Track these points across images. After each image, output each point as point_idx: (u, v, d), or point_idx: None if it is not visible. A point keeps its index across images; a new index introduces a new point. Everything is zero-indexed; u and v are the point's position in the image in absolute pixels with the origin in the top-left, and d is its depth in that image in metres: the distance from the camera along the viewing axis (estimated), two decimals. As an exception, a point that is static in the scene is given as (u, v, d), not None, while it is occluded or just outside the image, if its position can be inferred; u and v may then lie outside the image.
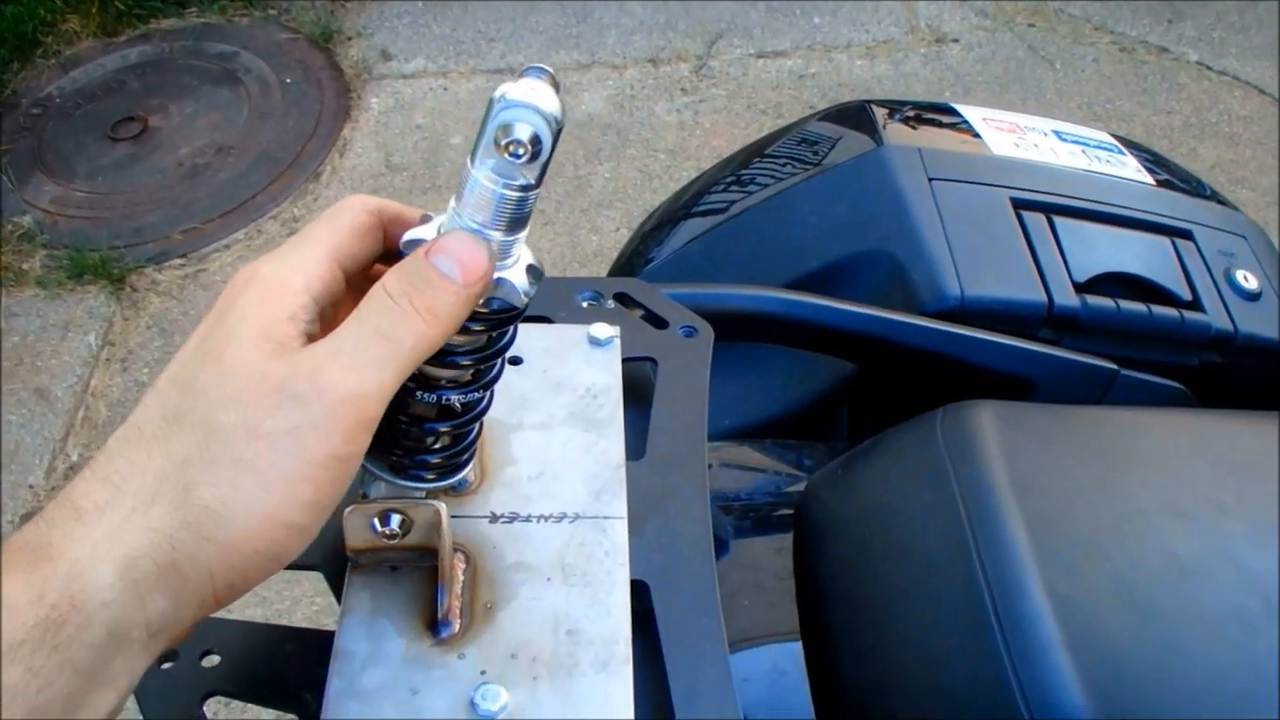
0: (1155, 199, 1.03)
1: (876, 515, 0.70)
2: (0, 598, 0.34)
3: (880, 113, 1.03)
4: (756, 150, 1.10)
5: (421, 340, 0.42)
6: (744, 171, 1.06)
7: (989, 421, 0.70)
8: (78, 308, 2.37)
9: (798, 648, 0.68)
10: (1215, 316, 0.95)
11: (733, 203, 1.01)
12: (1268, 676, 0.58)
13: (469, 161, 0.42)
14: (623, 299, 0.71)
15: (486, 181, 0.42)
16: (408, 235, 0.46)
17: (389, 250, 0.47)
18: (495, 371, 0.53)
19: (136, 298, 2.41)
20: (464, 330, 0.47)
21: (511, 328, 0.50)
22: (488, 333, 0.48)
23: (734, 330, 0.74)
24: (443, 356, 0.48)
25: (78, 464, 2.11)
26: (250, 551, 0.39)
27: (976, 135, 1.03)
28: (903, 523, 0.69)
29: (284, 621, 1.81)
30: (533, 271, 0.46)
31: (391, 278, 0.42)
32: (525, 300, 0.47)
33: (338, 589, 0.57)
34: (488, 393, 0.53)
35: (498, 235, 0.44)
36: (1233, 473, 0.71)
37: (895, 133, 0.99)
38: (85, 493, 0.38)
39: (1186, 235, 1.00)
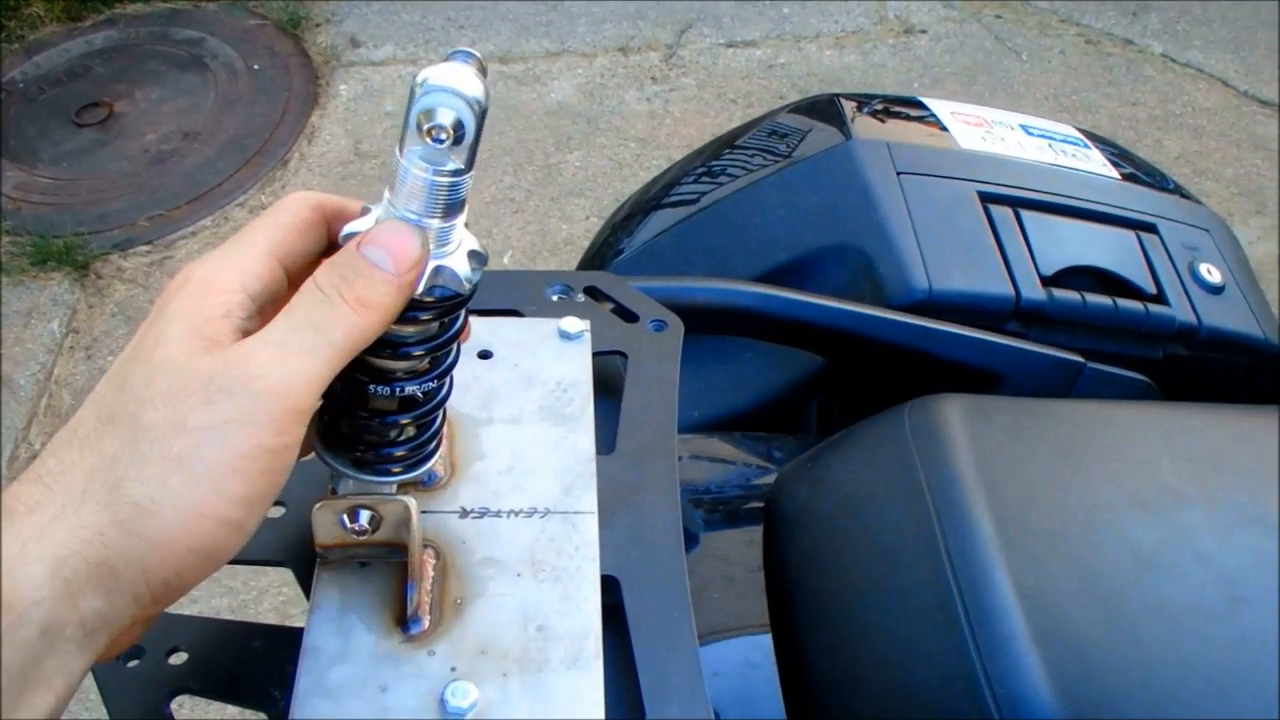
0: (1120, 193, 1.04)
1: (844, 508, 0.71)
2: None
3: (849, 106, 1.03)
4: (727, 142, 1.10)
5: (354, 330, 0.41)
6: (714, 163, 1.06)
7: (956, 415, 0.70)
8: (41, 295, 2.34)
9: (767, 641, 0.68)
10: (1179, 309, 0.96)
11: (703, 194, 1.01)
12: (1231, 668, 0.59)
13: (397, 150, 0.42)
14: (593, 292, 0.71)
15: (416, 170, 0.42)
16: (346, 228, 0.45)
17: (332, 245, 0.47)
18: (451, 359, 0.52)
19: (101, 285, 2.38)
20: (412, 320, 0.46)
21: (461, 314, 0.50)
22: (436, 320, 0.48)
23: (704, 323, 0.74)
24: (395, 348, 0.47)
25: (40, 453, 2.08)
26: (182, 549, 0.38)
27: (944, 129, 1.04)
28: (870, 516, 0.70)
29: (250, 612, 1.80)
30: (475, 257, 0.46)
31: (322, 271, 0.42)
32: (469, 286, 0.46)
33: (306, 585, 0.57)
34: (446, 380, 0.52)
35: (434, 223, 0.43)
36: (1196, 465, 0.72)
37: (864, 126, 0.99)
38: (18, 494, 0.38)
39: (1151, 229, 1.02)
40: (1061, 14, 3.04)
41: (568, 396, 0.66)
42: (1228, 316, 0.98)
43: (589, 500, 0.61)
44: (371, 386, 0.48)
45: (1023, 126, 1.08)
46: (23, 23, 2.94)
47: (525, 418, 0.64)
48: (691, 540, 0.73)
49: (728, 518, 0.78)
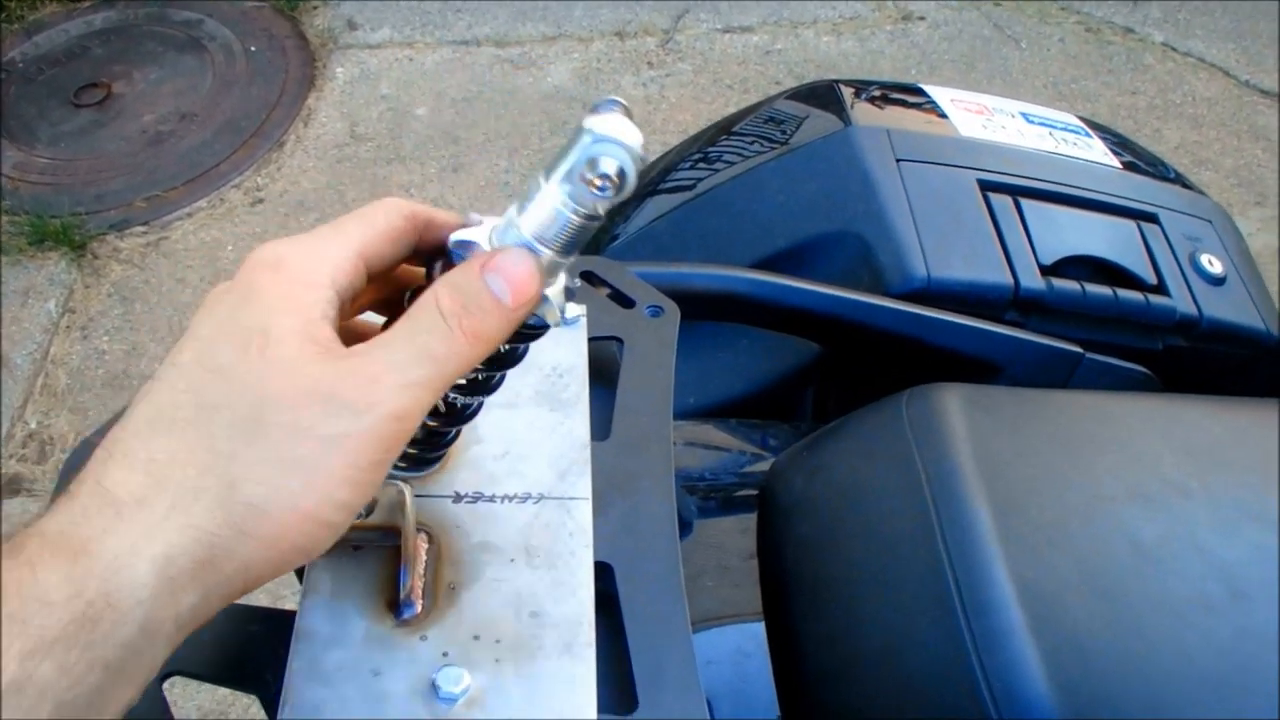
0: (1121, 182, 1.03)
1: (841, 497, 0.70)
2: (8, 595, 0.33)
3: (848, 92, 1.02)
4: (724, 128, 1.09)
5: (465, 363, 0.42)
6: (711, 149, 1.05)
7: (955, 404, 0.70)
8: (38, 274, 2.34)
9: (761, 630, 0.68)
10: (1180, 300, 0.96)
11: (700, 180, 1.01)
12: (1232, 662, 0.58)
13: (542, 178, 0.43)
14: (589, 278, 0.71)
15: (558, 203, 0.43)
16: (457, 235, 0.45)
17: (418, 252, 0.47)
18: (499, 380, 0.53)
19: (98, 265, 2.38)
20: None
21: (527, 345, 0.50)
22: (513, 344, 0.49)
23: (700, 310, 0.74)
24: None
25: (36, 432, 2.08)
26: (287, 547, 0.39)
27: (944, 116, 1.03)
28: (867, 505, 0.69)
29: (249, 597, 1.80)
30: (569, 293, 0.47)
31: (445, 294, 0.42)
32: (559, 321, 0.47)
33: (300, 570, 0.56)
34: (481, 400, 0.53)
35: (550, 254, 0.44)
36: (1196, 458, 0.72)
37: (863, 113, 0.99)
38: (122, 481, 0.37)
39: (1152, 219, 1.01)
40: (1061, 2, 3.03)
41: (563, 382, 0.66)
42: (1229, 308, 0.98)
43: (584, 486, 0.60)
44: None
45: (1023, 114, 1.08)
46: (23, 3, 2.94)
47: (521, 403, 0.64)
48: (686, 528, 0.73)
49: (723, 505, 0.77)
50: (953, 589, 0.61)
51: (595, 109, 0.42)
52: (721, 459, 0.84)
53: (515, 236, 0.45)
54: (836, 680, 0.64)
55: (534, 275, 0.43)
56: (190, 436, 0.38)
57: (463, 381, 0.51)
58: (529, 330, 0.48)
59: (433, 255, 0.48)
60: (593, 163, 0.41)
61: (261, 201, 2.51)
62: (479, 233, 0.46)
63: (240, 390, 0.39)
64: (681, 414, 0.88)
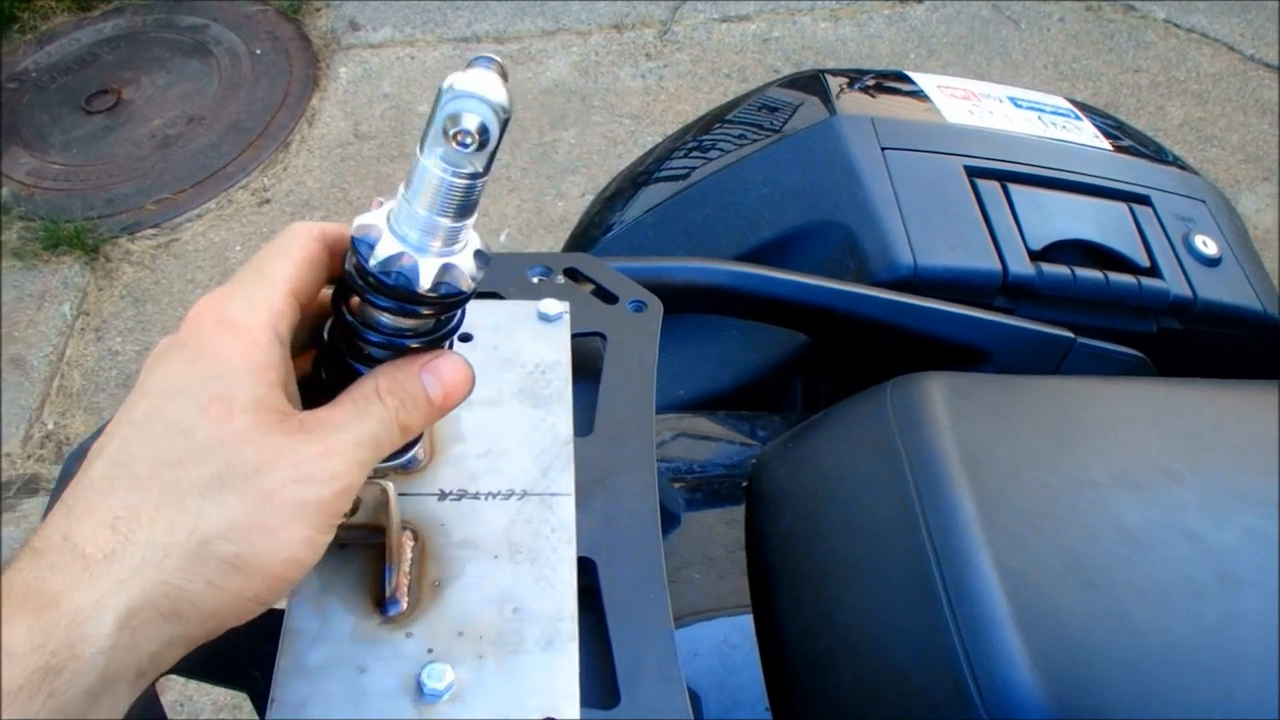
0: (1113, 164, 1.03)
1: (825, 488, 0.71)
2: (0, 645, 0.35)
3: (834, 82, 1.02)
4: (713, 119, 1.09)
5: (395, 447, 0.47)
6: (703, 137, 1.05)
7: (938, 393, 0.70)
8: (53, 278, 2.38)
9: (748, 620, 0.68)
10: (1173, 282, 0.96)
11: (691, 169, 1.01)
12: (1219, 648, 0.58)
13: (418, 149, 0.43)
14: (573, 274, 0.71)
15: (435, 169, 0.43)
16: (359, 222, 0.46)
17: (334, 276, 0.49)
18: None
19: (110, 268, 2.41)
20: (413, 314, 0.47)
21: (459, 311, 0.50)
22: (436, 316, 0.49)
23: (684, 303, 0.74)
24: (393, 339, 0.48)
25: (53, 432, 2.11)
26: (250, 597, 0.42)
27: (930, 103, 1.03)
28: (851, 495, 0.70)
29: None
30: (480, 257, 0.47)
31: (385, 386, 0.46)
32: (472, 285, 0.47)
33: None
34: None
35: (445, 222, 0.44)
36: (1187, 442, 0.71)
37: (848, 102, 0.99)
38: (90, 537, 0.38)
39: (1144, 201, 1.01)
40: (1062, -20, 3.00)
41: (546, 378, 0.66)
42: (1224, 289, 0.97)
43: (566, 482, 0.61)
44: (362, 370, 0.49)
45: (1011, 99, 1.07)
46: (35, 13, 2.98)
47: (504, 400, 0.65)
48: (672, 519, 0.73)
49: (710, 497, 0.78)
50: (936, 578, 0.61)
51: (467, 67, 0.42)
52: (710, 450, 0.84)
53: (406, 211, 0.44)
54: (821, 670, 0.65)
55: (464, 379, 0.48)
56: (154, 492, 0.40)
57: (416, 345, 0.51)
58: (446, 299, 0.47)
59: (340, 288, 0.49)
60: (454, 118, 0.41)
61: (268, 202, 2.53)
62: (377, 216, 0.46)
63: (203, 451, 0.41)
64: (671, 406, 0.89)
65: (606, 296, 0.71)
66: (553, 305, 0.69)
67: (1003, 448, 0.69)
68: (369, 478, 0.55)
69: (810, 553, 0.68)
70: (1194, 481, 0.67)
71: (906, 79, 1.08)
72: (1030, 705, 0.56)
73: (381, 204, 0.46)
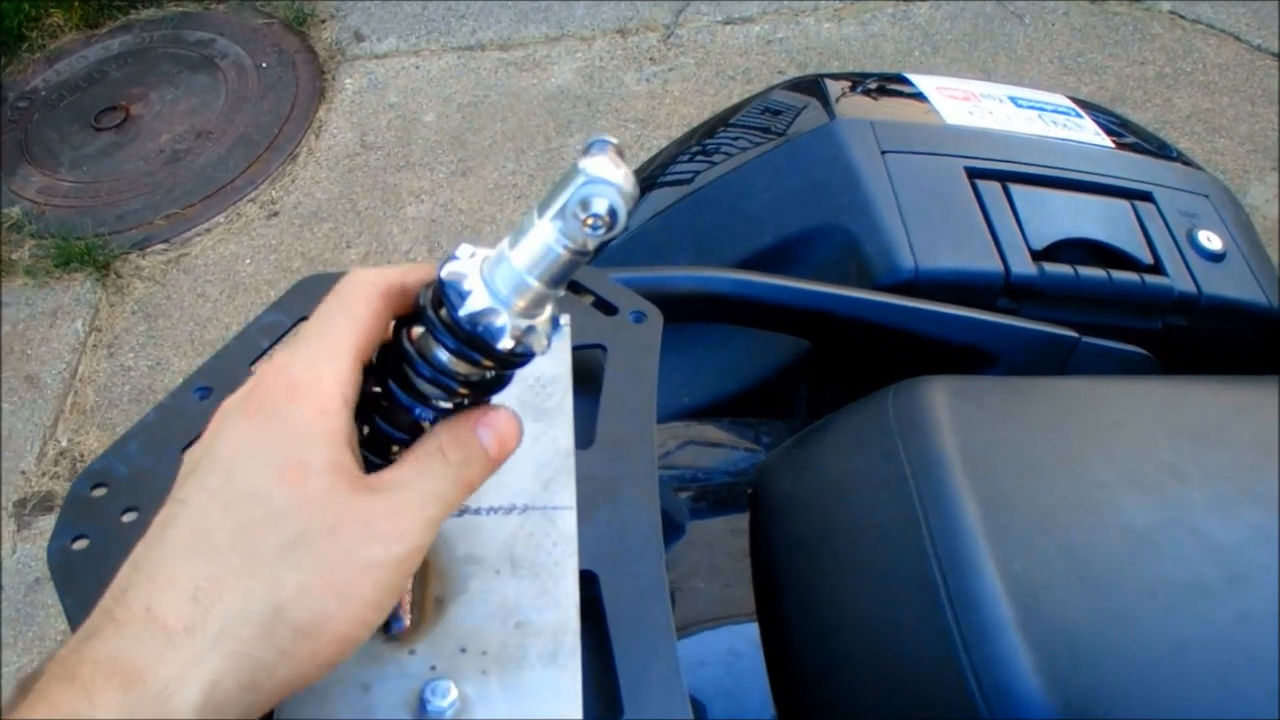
0: (1114, 162, 1.02)
1: (828, 494, 0.71)
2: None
3: (833, 86, 1.02)
4: (718, 121, 1.09)
5: (460, 503, 0.48)
6: (708, 142, 1.05)
7: (940, 397, 0.70)
8: (65, 295, 2.40)
9: (754, 629, 0.68)
10: (1178, 279, 0.95)
11: (695, 174, 1.01)
12: (1229, 647, 0.57)
13: (535, 214, 0.45)
14: (572, 285, 0.71)
15: (549, 238, 0.45)
16: (450, 269, 0.47)
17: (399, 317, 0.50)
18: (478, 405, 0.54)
19: (121, 283, 2.43)
20: (473, 362, 0.48)
21: (515, 371, 0.52)
22: (498, 370, 0.50)
23: (685, 312, 0.74)
24: (441, 377, 0.49)
25: (67, 449, 2.13)
26: (320, 662, 0.42)
27: (930, 105, 1.03)
28: (854, 501, 0.70)
29: None
30: (555, 324, 0.49)
31: (447, 443, 0.47)
32: (544, 350, 0.49)
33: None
34: None
35: (540, 287, 0.46)
36: (1193, 439, 0.71)
37: (848, 106, 0.98)
38: (171, 608, 0.39)
39: (1147, 197, 1.00)
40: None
41: (547, 391, 0.66)
42: (1229, 284, 0.97)
43: (568, 495, 0.61)
44: (405, 401, 0.50)
45: (1011, 98, 1.07)
46: (44, 32, 3.01)
47: (504, 415, 0.65)
48: (676, 529, 0.73)
49: (714, 505, 0.78)
50: (939, 583, 0.61)
51: (588, 149, 0.44)
52: (715, 458, 0.84)
53: (506, 270, 0.46)
54: (827, 677, 0.65)
55: (515, 431, 0.49)
56: (234, 560, 0.41)
57: (449, 406, 0.52)
58: (516, 358, 0.49)
59: (406, 316, 0.50)
60: (585, 202, 0.43)
61: (277, 214, 2.54)
62: (470, 266, 0.47)
63: (280, 516, 0.42)
64: (675, 414, 0.89)
65: (606, 308, 0.71)
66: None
67: (1006, 450, 0.69)
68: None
69: (815, 559, 0.68)
70: (1201, 480, 0.67)
71: (906, 81, 1.08)
72: (1035, 709, 0.56)
73: (473, 254, 0.48)
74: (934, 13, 2.91)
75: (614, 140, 0.45)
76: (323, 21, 2.99)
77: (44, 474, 2.10)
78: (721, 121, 1.09)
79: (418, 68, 2.84)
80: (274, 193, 2.58)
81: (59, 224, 2.54)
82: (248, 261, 2.46)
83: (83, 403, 2.22)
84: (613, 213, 0.43)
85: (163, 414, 0.68)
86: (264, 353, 0.71)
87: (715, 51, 2.83)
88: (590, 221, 0.44)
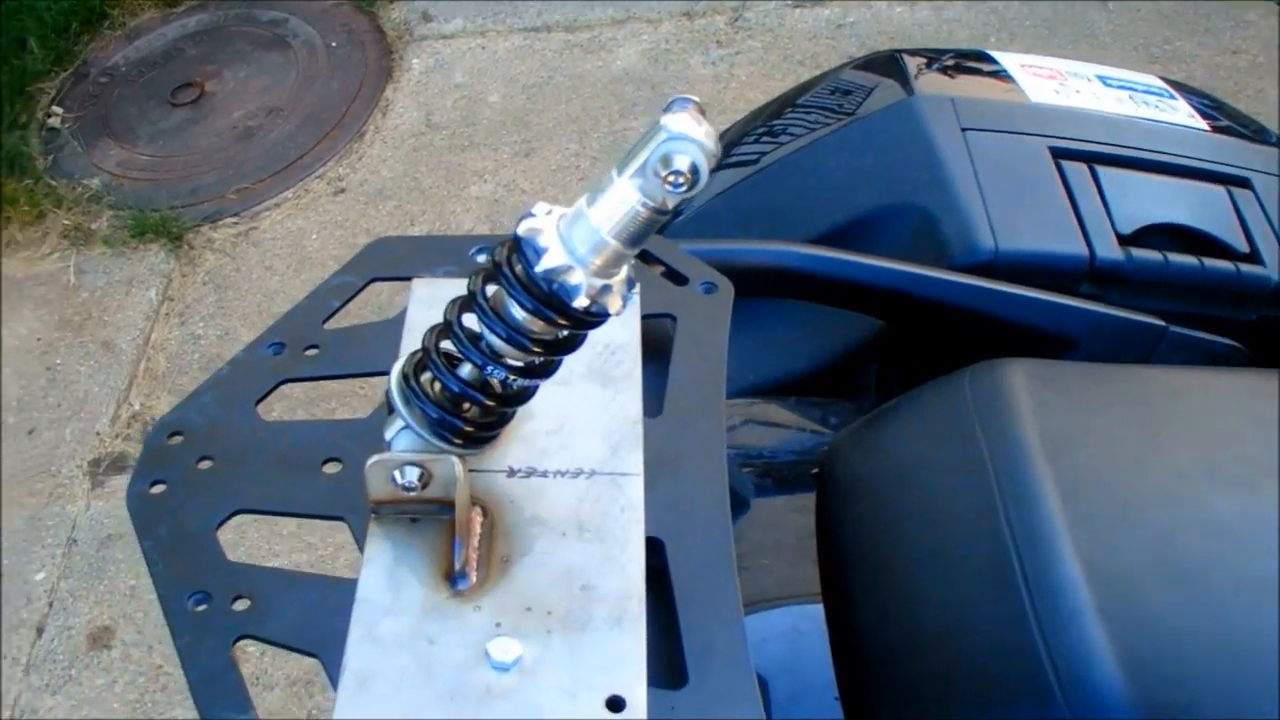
0: (1210, 146, 0.98)
1: (901, 475, 0.69)
2: None
3: (912, 62, 0.99)
4: (786, 101, 1.07)
5: None
6: (773, 123, 1.04)
7: (1020, 380, 0.68)
8: (140, 265, 2.47)
9: (818, 608, 0.67)
10: (1275, 269, 0.91)
11: (762, 154, 0.99)
12: None
13: (615, 172, 0.45)
14: (643, 255, 0.70)
15: (630, 196, 0.45)
16: (528, 224, 0.47)
17: None
18: (553, 369, 0.54)
19: (194, 255, 2.49)
20: (547, 320, 0.48)
21: (586, 336, 0.52)
22: (572, 329, 0.50)
23: (756, 286, 0.73)
24: (515, 335, 0.49)
25: (139, 412, 2.20)
26: None
27: (1014, 83, 1.00)
28: (928, 483, 0.68)
29: (327, 567, 1.87)
30: (629, 285, 0.49)
31: None
32: (619, 311, 0.49)
33: (361, 539, 0.58)
34: (536, 386, 0.55)
35: (617, 246, 0.46)
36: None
37: (927, 82, 0.96)
38: None
39: (1244, 183, 0.96)
40: (1151, -43, 2.89)
41: (615, 359, 0.66)
42: (1332, 276, 0.92)
43: (635, 462, 0.61)
44: (478, 358, 0.50)
45: (1100, 77, 1.03)
46: (124, 10, 3.10)
47: (573, 379, 0.64)
48: (742, 505, 0.72)
49: (780, 483, 0.76)
50: (1016, 568, 0.60)
51: (669, 107, 0.44)
52: (780, 437, 0.83)
53: (584, 228, 0.46)
54: (895, 660, 0.63)
55: None
56: None
57: (520, 364, 0.52)
58: (590, 318, 0.49)
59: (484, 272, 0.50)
60: (666, 159, 0.43)
61: (343, 191, 2.58)
62: (547, 223, 0.48)
63: None
64: (741, 392, 0.88)
65: (676, 278, 0.70)
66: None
67: (1087, 436, 0.67)
68: (440, 452, 0.55)
69: (885, 540, 0.66)
70: None
71: (988, 58, 1.05)
72: (1115, 701, 0.55)
73: (550, 211, 0.48)
74: (1011, -3, 2.83)
75: (695, 99, 0.45)
76: (391, 2, 3.02)
77: (117, 435, 2.16)
78: (792, 100, 1.07)
79: (484, 48, 2.85)
80: (341, 170, 2.62)
81: (135, 196, 2.62)
82: (314, 236, 2.49)
83: (155, 368, 2.29)
84: (694, 170, 0.43)
85: (236, 369, 0.69)
86: (334, 312, 0.72)
87: (784, 35, 2.79)
88: (671, 179, 0.43)
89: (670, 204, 0.45)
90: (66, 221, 2.53)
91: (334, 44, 2.94)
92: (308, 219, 2.54)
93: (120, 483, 2.07)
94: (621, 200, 0.45)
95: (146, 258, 2.47)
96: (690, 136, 0.43)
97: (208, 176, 2.65)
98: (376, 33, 2.96)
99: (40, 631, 1.88)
